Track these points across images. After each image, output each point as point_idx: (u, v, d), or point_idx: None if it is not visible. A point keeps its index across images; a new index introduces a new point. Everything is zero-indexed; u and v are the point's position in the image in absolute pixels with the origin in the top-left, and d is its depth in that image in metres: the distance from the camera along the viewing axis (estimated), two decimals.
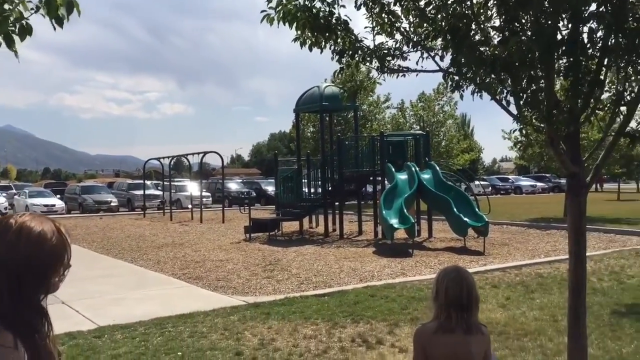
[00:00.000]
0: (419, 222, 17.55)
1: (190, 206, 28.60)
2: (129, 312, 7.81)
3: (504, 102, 4.55)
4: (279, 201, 19.13)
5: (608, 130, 4.56)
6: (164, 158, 30.54)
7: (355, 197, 18.90)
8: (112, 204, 32.98)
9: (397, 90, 32.06)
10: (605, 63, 4.22)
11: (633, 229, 17.32)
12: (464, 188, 18.46)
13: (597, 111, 4.54)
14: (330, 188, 17.56)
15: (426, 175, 15.89)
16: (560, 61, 4.44)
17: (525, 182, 54.31)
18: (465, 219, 14.07)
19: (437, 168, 16.19)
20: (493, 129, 30.16)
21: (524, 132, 4.58)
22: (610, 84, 4.58)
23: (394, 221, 14.26)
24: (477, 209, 14.71)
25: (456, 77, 4.54)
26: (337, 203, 17.59)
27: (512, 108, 4.62)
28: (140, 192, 32.77)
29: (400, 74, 4.92)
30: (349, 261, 12.29)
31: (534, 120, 4.41)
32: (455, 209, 14.29)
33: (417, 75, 4.91)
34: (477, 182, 31.75)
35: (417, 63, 4.88)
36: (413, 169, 15.72)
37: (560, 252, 13.03)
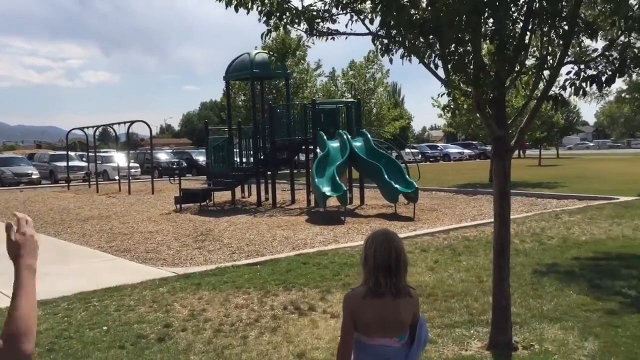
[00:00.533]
0: (351, 190, 17.72)
1: (117, 178, 27.67)
2: (51, 287, 7.46)
3: (432, 66, 4.55)
4: (211, 171, 18.79)
5: (532, 94, 4.65)
6: (88, 128, 29.28)
7: (287, 165, 18.80)
8: (33, 176, 31.44)
9: (328, 58, 31.91)
10: (530, 27, 4.27)
11: (553, 193, 18.15)
12: (395, 156, 18.71)
13: (521, 75, 4.62)
14: (262, 157, 17.38)
15: (358, 143, 15.98)
16: (487, 26, 4.47)
17: (453, 149, 55.86)
18: (396, 185, 14.29)
19: (369, 136, 16.31)
20: (423, 98, 30.93)
21: (451, 96, 4.61)
22: (534, 49, 4.66)
23: (326, 189, 14.30)
24: (407, 176, 14.97)
25: (385, 41, 4.49)
26: (269, 172, 17.46)
27: (441, 72, 4.63)
28: (64, 163, 31.39)
29: (330, 37, 4.82)
30: (281, 230, 12.25)
31: (461, 84, 4.43)
32: (386, 176, 14.47)
33: (346, 38, 4.83)
34: (407, 150, 32.30)
35: (346, 26, 4.80)
36: (345, 136, 15.76)
37: (485, 216, 13.47)
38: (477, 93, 4.36)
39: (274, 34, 5.47)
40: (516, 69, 4.42)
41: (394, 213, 14.71)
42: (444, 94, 4.68)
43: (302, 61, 32.66)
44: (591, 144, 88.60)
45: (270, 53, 17.53)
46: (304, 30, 4.70)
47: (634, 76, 8.16)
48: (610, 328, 5.13)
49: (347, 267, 7.98)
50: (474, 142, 54.94)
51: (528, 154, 57.91)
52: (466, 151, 55.13)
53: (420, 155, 51.17)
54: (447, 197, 18.67)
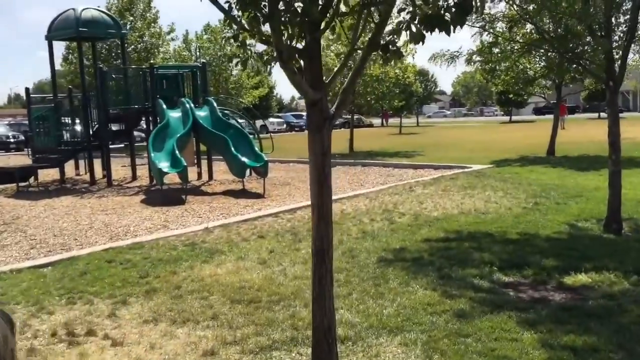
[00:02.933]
0: (200, 164, 16.11)
1: None
2: None
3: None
4: (34, 145, 16.18)
5: (356, 41, 3.41)
6: None
7: (126, 138, 16.71)
8: None
9: (184, 22, 29.47)
10: None
11: (410, 162, 17.80)
12: (251, 126, 17.27)
13: (341, 17, 3.36)
14: (94, 129, 15.17)
15: (202, 113, 14.33)
16: None
17: None
18: (243, 159, 12.91)
19: (215, 104, 14.69)
20: None
21: (240, 41, 3.26)
22: None
23: (164, 165, 12.58)
24: (256, 148, 13.64)
25: None
26: (103, 146, 15.30)
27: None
28: None
29: None
30: (105, 214, 10.44)
31: (253, 24, 3.08)
32: (233, 149, 13.03)
33: None
34: (261, 121, 30.45)
35: None
36: (187, 105, 14.04)
37: (337, 190, 12.54)
38: (278, 39, 3.04)
39: None
40: (333, 5, 3.15)
41: (242, 189, 13.37)
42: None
43: (152, 24, 29.96)
44: (448, 113, 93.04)
45: (98, 9, 15.22)
46: None
47: (484, 35, 7.40)
48: (458, 339, 4.16)
49: (162, 264, 6.50)
50: None
51: (391, 122, 59.14)
52: None
53: (285, 125, 50.25)
54: (305, 169, 17.56)
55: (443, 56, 7.91)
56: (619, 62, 7.38)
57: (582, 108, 76.25)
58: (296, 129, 52.10)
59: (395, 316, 4.67)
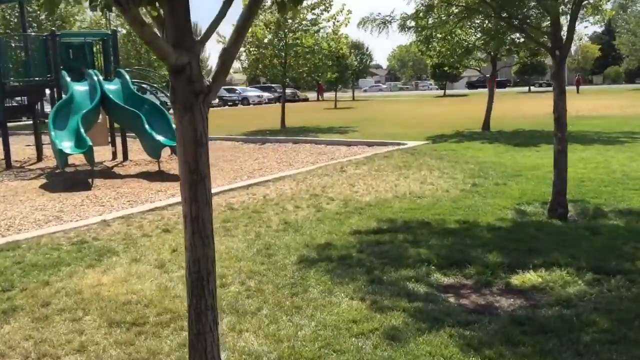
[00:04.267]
0: (114, 142, 14.67)
1: None
2: None
3: None
4: None
5: None
6: None
7: (29, 114, 15.01)
8: None
9: None
10: None
11: (343, 139, 16.93)
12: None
13: None
14: None
15: (113, 86, 12.87)
16: None
17: (251, 92, 53.96)
18: (159, 137, 11.64)
19: (128, 77, 13.24)
20: None
21: None
22: None
23: (67, 144, 11.16)
24: (173, 125, 12.36)
25: None
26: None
27: None
28: None
29: None
30: None
31: None
32: (147, 126, 11.73)
33: None
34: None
35: None
36: (95, 78, 12.56)
37: (265, 171, 11.53)
38: None
39: None
40: None
41: (159, 171, 12.12)
42: None
43: None
44: (384, 87, 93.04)
45: None
46: None
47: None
48: None
49: (35, 272, 5.30)
50: (273, 85, 53.44)
51: (326, 96, 58.24)
52: (265, 94, 53.58)
53: (217, 99, 48.43)
54: (232, 148, 16.50)
55: (374, 21, 6.94)
56: (566, 29, 6.63)
57: (513, 82, 77.86)
58: (229, 103, 50.45)
59: (312, 341, 3.73)
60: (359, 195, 8.47)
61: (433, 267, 5.08)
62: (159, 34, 2.29)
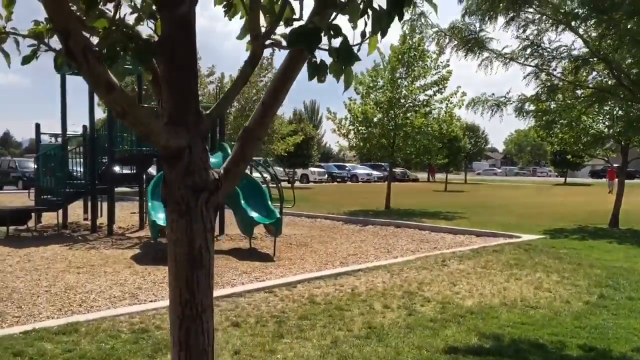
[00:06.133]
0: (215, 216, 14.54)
1: None
2: None
3: None
4: (39, 185, 15.00)
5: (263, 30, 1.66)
6: None
7: (136, 182, 15.36)
8: None
9: (222, 63, 28.58)
10: None
11: (449, 226, 15.72)
12: (269, 177, 15.64)
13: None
14: (100, 171, 13.87)
15: (214, 159, 12.79)
16: None
17: (361, 170, 53.90)
18: (253, 214, 11.25)
19: (230, 151, 13.16)
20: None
21: None
22: None
23: (161, 216, 11.03)
24: (269, 203, 11.96)
25: None
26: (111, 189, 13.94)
27: None
28: None
29: None
30: (77, 273, 8.87)
31: None
32: (242, 201, 11.41)
33: None
34: (281, 169, 28.08)
35: None
36: None
37: (359, 257, 10.69)
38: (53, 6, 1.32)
39: None
40: None
41: (250, 248, 11.66)
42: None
43: None
44: (499, 171, 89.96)
45: None
46: None
47: (543, 76, 5.58)
48: None
49: None
50: (383, 164, 53.15)
51: (438, 177, 56.92)
52: (375, 172, 53.30)
53: (326, 175, 48.79)
54: (332, 227, 15.84)
55: (486, 102, 6.10)
56: None
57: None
58: (338, 180, 50.60)
59: None
60: (459, 298, 7.35)
61: None
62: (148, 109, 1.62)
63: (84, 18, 1.42)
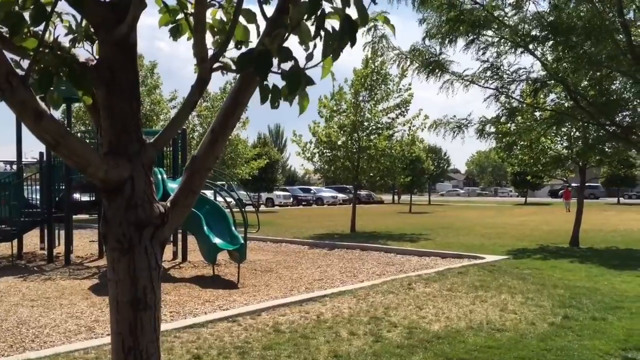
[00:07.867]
0: (176, 242, 14.21)
1: None
2: None
3: None
4: None
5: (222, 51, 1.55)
6: None
7: (94, 209, 14.95)
8: None
9: (185, 87, 28.36)
10: None
11: (414, 248, 15.71)
12: (233, 202, 15.41)
13: None
14: (57, 199, 13.46)
15: (176, 185, 12.54)
16: None
17: (326, 193, 53.89)
18: (215, 240, 11.01)
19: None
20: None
21: None
22: None
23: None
24: (233, 228, 11.74)
25: None
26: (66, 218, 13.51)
27: None
28: None
29: None
30: (32, 307, 8.49)
31: None
32: (205, 228, 11.17)
33: None
34: (245, 193, 27.96)
35: None
36: (159, 176, 12.29)
37: (325, 282, 10.54)
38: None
39: None
40: None
41: (214, 275, 11.39)
42: None
43: (153, 91, 28.95)
44: (462, 191, 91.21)
45: None
46: None
47: (502, 99, 5.62)
48: None
49: None
50: (348, 187, 53.29)
51: (403, 199, 57.31)
52: (340, 195, 53.34)
53: (292, 199, 48.59)
54: (297, 251, 15.66)
55: (447, 124, 6.11)
56: None
57: (598, 194, 73.93)
58: (303, 203, 50.46)
59: None
60: (426, 322, 7.27)
61: None
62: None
63: (8, 36, 1.29)
